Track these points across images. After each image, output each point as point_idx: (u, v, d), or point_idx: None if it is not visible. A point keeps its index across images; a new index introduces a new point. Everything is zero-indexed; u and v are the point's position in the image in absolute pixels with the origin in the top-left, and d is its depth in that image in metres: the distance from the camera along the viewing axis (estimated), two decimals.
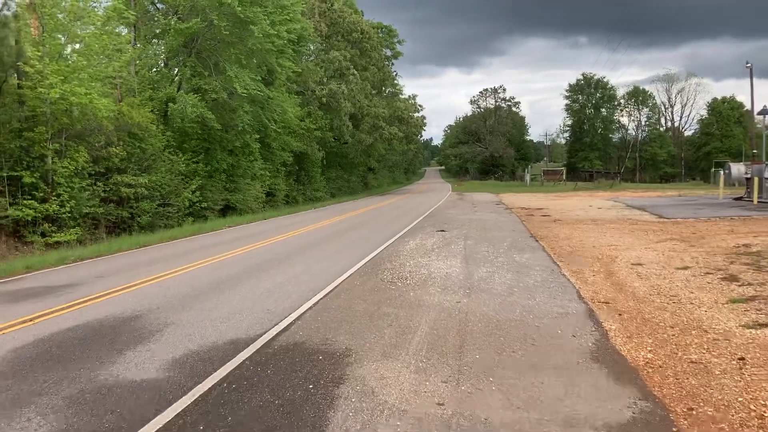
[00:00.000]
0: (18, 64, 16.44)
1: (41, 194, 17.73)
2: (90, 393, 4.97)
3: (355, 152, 49.91)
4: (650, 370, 5.32)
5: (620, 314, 7.35)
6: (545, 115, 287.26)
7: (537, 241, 14.56)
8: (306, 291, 8.89)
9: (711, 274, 9.66)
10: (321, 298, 8.35)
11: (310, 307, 7.81)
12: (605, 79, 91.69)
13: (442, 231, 17.45)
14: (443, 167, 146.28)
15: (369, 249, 13.64)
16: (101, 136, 19.85)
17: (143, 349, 6.13)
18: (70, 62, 17.84)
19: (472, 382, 5.06)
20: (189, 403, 4.70)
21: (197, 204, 24.82)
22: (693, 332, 6.44)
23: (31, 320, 7.46)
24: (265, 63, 27.03)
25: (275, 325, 6.97)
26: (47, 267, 12.37)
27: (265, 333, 6.62)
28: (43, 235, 17.70)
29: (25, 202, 17.34)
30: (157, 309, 7.91)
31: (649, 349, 5.92)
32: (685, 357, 5.66)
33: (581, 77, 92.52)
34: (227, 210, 28.03)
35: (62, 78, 17.19)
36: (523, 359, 5.64)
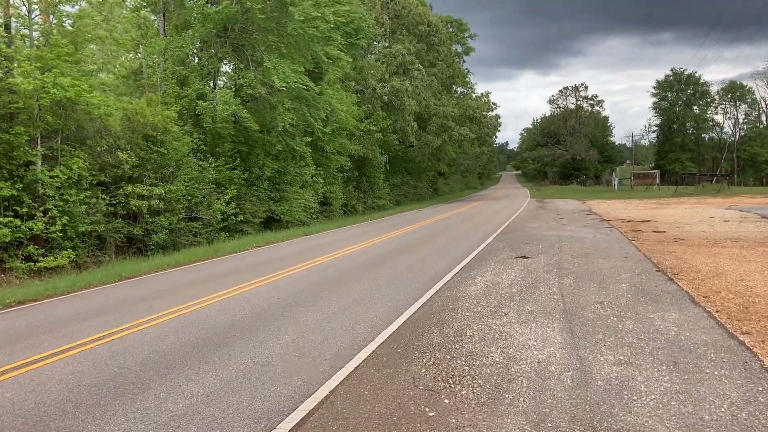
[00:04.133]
0: None
1: (25, 210, 14.49)
2: None
3: (422, 156, 45.26)
4: None
5: None
6: (626, 117, 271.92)
7: (672, 280, 9.53)
8: (260, 415, 4.54)
9: None
10: None
11: None
12: (697, 74, 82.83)
13: (524, 257, 12.73)
14: (520, 171, 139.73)
15: (413, 293, 9.19)
16: (106, 138, 16.55)
17: None
18: (52, 48, 14.42)
19: None
20: None
21: (232, 217, 21.11)
22: None
23: None
24: (309, 52, 23.05)
25: None
26: None
27: None
28: (28, 259, 14.47)
29: (2, 219, 14.14)
30: None
31: None
32: None
33: (670, 73, 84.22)
34: (271, 222, 24.26)
35: (40, 66, 13.85)
36: None
